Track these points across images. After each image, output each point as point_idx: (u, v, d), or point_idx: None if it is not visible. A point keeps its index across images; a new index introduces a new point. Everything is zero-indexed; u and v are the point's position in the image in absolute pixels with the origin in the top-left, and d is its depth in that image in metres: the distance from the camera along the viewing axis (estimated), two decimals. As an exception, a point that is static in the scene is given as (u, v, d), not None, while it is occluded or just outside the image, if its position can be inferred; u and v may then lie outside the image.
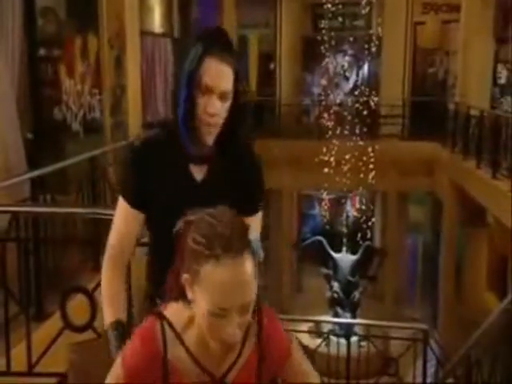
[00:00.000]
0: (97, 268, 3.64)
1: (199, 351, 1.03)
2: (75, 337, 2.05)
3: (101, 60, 5.55)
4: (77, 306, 2.16)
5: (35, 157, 4.09)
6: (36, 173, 3.47)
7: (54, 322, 2.48)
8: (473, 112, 7.92)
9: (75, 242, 3.57)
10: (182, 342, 1.02)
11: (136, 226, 1.35)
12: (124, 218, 1.35)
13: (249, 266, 0.97)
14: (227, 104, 1.30)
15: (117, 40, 5.81)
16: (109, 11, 5.59)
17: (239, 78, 1.31)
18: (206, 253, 0.96)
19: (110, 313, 1.29)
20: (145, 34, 6.71)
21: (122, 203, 1.36)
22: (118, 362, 1.06)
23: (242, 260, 0.97)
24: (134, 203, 1.34)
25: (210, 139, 1.31)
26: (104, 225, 3.40)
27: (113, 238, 1.36)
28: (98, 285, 2.12)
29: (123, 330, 1.27)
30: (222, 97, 1.28)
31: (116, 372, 1.06)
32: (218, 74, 1.27)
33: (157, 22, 7.54)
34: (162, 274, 1.38)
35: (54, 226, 3.17)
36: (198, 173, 1.33)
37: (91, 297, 2.09)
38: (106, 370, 1.05)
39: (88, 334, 2.08)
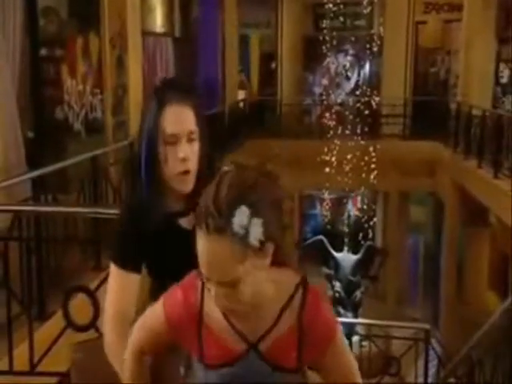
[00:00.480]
0: (98, 267, 3.66)
1: (233, 314, 0.99)
2: (77, 336, 2.05)
3: (102, 60, 5.56)
4: (79, 305, 2.16)
5: (37, 156, 4.09)
6: (38, 172, 3.48)
7: (56, 322, 2.49)
8: (475, 111, 7.91)
9: (77, 241, 3.57)
10: None
11: (135, 291, 1.30)
12: (123, 286, 1.28)
13: (215, 247, 0.90)
14: (196, 147, 1.27)
15: (118, 40, 5.82)
16: (110, 11, 5.60)
17: (200, 117, 1.28)
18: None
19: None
20: (146, 33, 6.72)
21: (117, 272, 1.29)
22: (160, 308, 1.04)
23: (210, 238, 0.90)
24: (133, 267, 1.29)
25: (186, 187, 1.27)
26: (105, 224, 3.42)
27: (113, 309, 1.28)
28: (100, 284, 2.13)
29: None
30: (189, 138, 1.26)
31: (157, 315, 1.05)
32: (180, 118, 1.25)
33: (158, 22, 7.55)
34: None
35: (55, 226, 3.18)
36: (188, 223, 1.28)
37: (93, 296, 2.09)
38: (109, 370, 1.05)
39: (90, 334, 2.09)
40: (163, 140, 1.24)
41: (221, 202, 0.90)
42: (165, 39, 7.48)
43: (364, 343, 6.39)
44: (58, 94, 4.80)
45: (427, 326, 5.32)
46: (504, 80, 8.85)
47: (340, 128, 9.91)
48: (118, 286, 1.28)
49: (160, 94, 1.26)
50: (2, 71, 3.73)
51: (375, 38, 10.48)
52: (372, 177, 9.47)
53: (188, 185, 1.27)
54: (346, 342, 1.08)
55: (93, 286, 2.17)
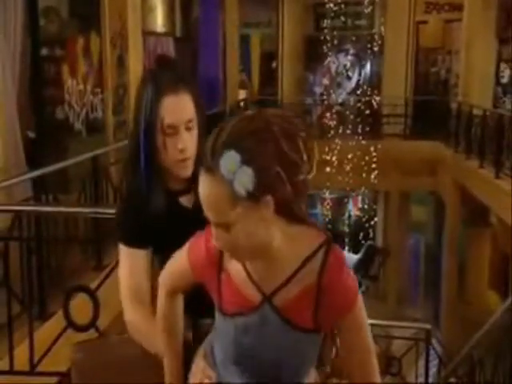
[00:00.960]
0: (99, 267, 3.66)
1: (250, 264, 1.00)
2: (77, 336, 2.05)
3: (103, 59, 5.56)
4: (79, 305, 2.17)
5: (38, 156, 4.09)
6: (38, 172, 3.48)
7: (56, 322, 2.49)
8: (475, 111, 7.90)
9: (77, 241, 3.57)
10: None
11: (148, 267, 1.32)
12: (135, 263, 1.30)
13: (207, 186, 0.91)
14: (194, 132, 1.27)
15: (119, 39, 5.82)
16: (111, 11, 5.60)
17: (198, 102, 1.28)
18: None
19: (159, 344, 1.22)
20: (147, 33, 6.72)
21: (127, 251, 1.31)
22: (185, 254, 1.09)
23: (203, 178, 0.92)
24: (140, 244, 1.31)
25: (186, 172, 1.28)
26: (106, 224, 3.42)
27: (129, 287, 1.30)
28: (101, 284, 2.13)
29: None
30: (188, 127, 1.26)
31: (182, 260, 1.09)
32: (178, 108, 1.24)
33: (159, 22, 7.55)
34: None
35: (56, 226, 3.18)
36: (188, 201, 1.31)
37: (94, 296, 2.09)
38: (110, 370, 1.05)
39: (90, 334, 2.09)
40: (162, 130, 1.24)
41: (217, 144, 0.91)
42: (166, 39, 7.48)
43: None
44: (58, 94, 4.80)
45: (428, 326, 5.31)
46: (505, 80, 8.84)
47: (341, 128, 9.91)
48: (129, 263, 1.31)
49: (157, 81, 1.24)
50: (2, 71, 3.73)
51: (376, 37, 10.48)
52: (373, 176, 9.47)
53: (187, 170, 1.28)
54: (366, 318, 1.03)
55: (93, 285, 2.17)
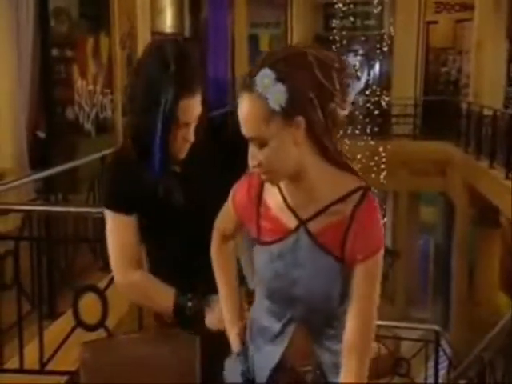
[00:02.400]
0: (107, 267, 3.66)
1: (287, 192, 1.08)
2: (86, 335, 2.06)
3: (113, 60, 5.58)
4: (88, 304, 2.17)
5: (48, 156, 4.12)
6: (48, 172, 3.50)
7: (65, 321, 2.50)
8: (486, 112, 7.85)
9: (86, 240, 3.58)
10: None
11: (136, 231, 1.34)
12: (125, 229, 1.33)
13: (245, 104, 1.01)
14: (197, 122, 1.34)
15: (128, 40, 5.84)
16: (120, 12, 5.62)
17: (205, 94, 1.33)
18: None
19: (164, 294, 1.31)
20: (156, 33, 6.74)
21: (114, 216, 1.34)
22: (231, 195, 1.19)
23: (241, 97, 1.01)
24: (127, 210, 1.33)
25: (183, 155, 1.35)
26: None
27: (120, 250, 1.34)
28: (110, 283, 2.14)
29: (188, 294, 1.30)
30: (197, 119, 1.32)
31: (228, 201, 1.20)
32: (194, 110, 1.29)
33: (168, 22, 7.57)
34: (167, 275, 1.38)
35: (65, 225, 3.19)
36: (176, 166, 1.36)
37: (103, 295, 2.09)
38: (118, 370, 1.05)
39: (99, 333, 2.10)
40: (175, 124, 1.28)
41: (256, 66, 1.01)
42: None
43: (373, 344, 6.36)
44: (68, 95, 4.83)
45: (437, 328, 5.28)
46: (516, 80, 8.77)
47: (350, 128, 9.88)
48: (116, 228, 1.34)
49: (176, 82, 1.25)
50: (15, 72, 3.76)
51: (385, 37, 10.44)
52: (382, 177, 9.43)
53: (185, 152, 1.35)
54: (380, 276, 1.08)
55: (102, 285, 2.18)
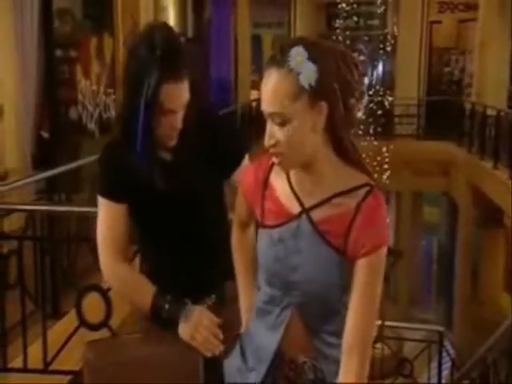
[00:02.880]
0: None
1: (295, 178, 1.10)
2: (90, 335, 2.06)
3: (116, 60, 5.59)
4: (92, 304, 2.18)
5: (51, 156, 4.12)
6: (52, 172, 3.50)
7: (69, 320, 2.50)
8: (489, 112, 7.83)
9: (89, 240, 3.59)
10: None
11: (126, 220, 1.34)
12: (113, 216, 1.33)
13: (273, 78, 1.01)
14: (186, 110, 1.31)
15: (131, 40, 5.83)
16: (124, 12, 5.63)
17: (194, 81, 1.30)
18: None
19: (146, 290, 1.29)
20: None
21: (105, 203, 1.34)
22: (241, 179, 1.23)
23: (269, 72, 1.02)
24: (116, 197, 1.33)
25: (172, 143, 1.33)
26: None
27: (108, 239, 1.34)
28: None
29: (168, 296, 1.28)
30: (183, 107, 1.30)
31: (239, 189, 1.23)
32: (178, 95, 1.26)
33: (171, 22, 7.57)
34: (158, 270, 1.38)
35: (69, 225, 3.20)
36: (167, 154, 1.35)
37: (106, 295, 2.10)
38: (122, 370, 1.05)
39: (103, 333, 2.10)
40: (159, 111, 1.26)
41: (287, 43, 1.04)
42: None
43: (377, 345, 6.35)
44: (72, 95, 4.83)
45: (440, 328, 5.27)
46: (519, 80, 8.74)
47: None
48: (110, 216, 1.33)
49: (160, 66, 1.23)
50: (15, 73, 3.77)
51: (389, 37, 10.42)
52: (385, 177, 9.41)
53: (174, 141, 1.33)
54: (383, 273, 1.07)
55: (105, 285, 2.18)
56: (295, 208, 1.09)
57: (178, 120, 1.29)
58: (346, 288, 1.07)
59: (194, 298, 1.32)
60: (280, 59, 1.01)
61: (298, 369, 1.13)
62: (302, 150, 1.03)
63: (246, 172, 1.20)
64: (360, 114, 1.05)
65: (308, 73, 0.99)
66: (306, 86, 0.99)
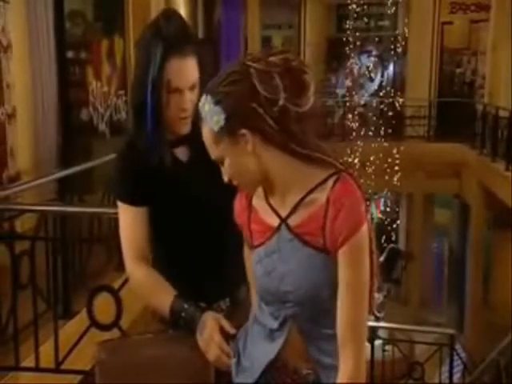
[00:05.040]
0: (121, 267, 3.68)
1: (268, 194, 1.14)
2: (101, 335, 2.07)
3: (127, 62, 5.62)
4: (103, 304, 2.19)
5: (63, 157, 4.16)
6: (64, 173, 3.53)
7: (80, 320, 2.52)
8: (502, 113, 7.76)
9: (101, 241, 3.61)
10: (263, 185, 1.16)
11: (145, 223, 1.34)
12: (132, 220, 1.33)
13: (203, 132, 1.10)
14: (197, 91, 1.30)
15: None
16: (135, 14, 5.66)
17: (203, 61, 1.30)
18: None
19: (167, 295, 1.28)
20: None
21: (123, 207, 1.34)
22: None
23: (202, 127, 1.10)
24: (135, 201, 1.33)
25: (185, 129, 1.33)
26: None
27: (128, 242, 1.35)
28: (124, 284, 2.15)
29: (186, 301, 1.27)
30: (192, 88, 1.29)
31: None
32: (184, 72, 1.27)
33: (182, 24, 7.59)
34: (174, 274, 1.37)
35: (80, 226, 3.22)
36: (182, 154, 1.35)
37: (117, 295, 2.11)
38: (133, 370, 1.05)
39: (113, 333, 2.11)
40: (167, 90, 1.27)
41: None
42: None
43: (387, 347, 6.31)
44: (83, 96, 4.87)
45: (452, 331, 5.23)
46: (532, 81, 8.66)
47: (363, 129, 9.82)
48: (128, 220, 1.34)
49: (164, 42, 1.24)
50: (28, 76, 3.80)
51: (399, 38, 10.37)
52: (395, 179, 9.36)
53: (187, 127, 1.33)
54: (367, 258, 1.07)
55: (116, 285, 2.19)
56: (275, 221, 1.12)
57: (185, 100, 1.28)
58: (335, 286, 1.07)
59: (208, 301, 1.33)
60: (199, 114, 1.11)
61: (300, 379, 1.13)
62: (249, 175, 1.10)
63: (236, 198, 1.22)
64: (305, 108, 1.04)
65: (214, 118, 1.06)
66: (217, 130, 1.06)
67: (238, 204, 1.20)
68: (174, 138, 1.33)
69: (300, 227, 1.09)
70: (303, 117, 1.06)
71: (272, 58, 1.06)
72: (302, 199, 1.08)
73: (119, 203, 1.35)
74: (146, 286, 1.33)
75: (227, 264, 1.34)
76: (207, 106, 1.06)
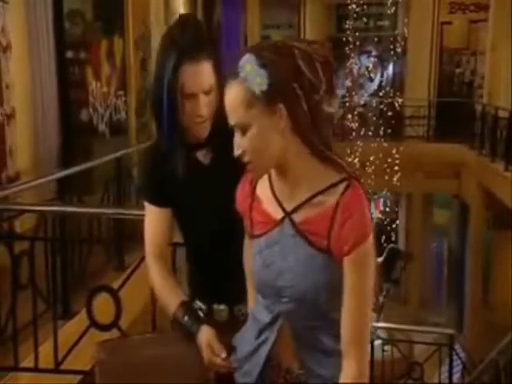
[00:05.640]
0: (121, 267, 3.69)
1: (275, 184, 1.12)
2: (100, 335, 2.07)
3: (126, 62, 5.62)
4: (102, 304, 2.19)
5: (62, 157, 4.16)
6: (63, 173, 3.53)
7: (79, 320, 2.52)
8: (501, 113, 7.76)
9: (100, 241, 3.61)
10: (269, 174, 1.13)
11: (167, 223, 1.39)
12: (155, 219, 1.38)
13: (230, 90, 1.04)
14: (213, 94, 1.31)
15: (142, 43, 5.87)
16: (134, 14, 5.66)
17: (218, 64, 1.31)
18: None
19: (171, 299, 1.31)
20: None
21: (149, 207, 1.40)
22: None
23: (228, 86, 1.05)
24: (158, 202, 1.38)
25: (203, 133, 1.33)
26: (128, 225, 3.45)
27: (149, 239, 1.39)
28: (123, 284, 2.15)
29: (192, 308, 1.30)
30: (208, 92, 1.30)
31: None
32: (198, 77, 1.27)
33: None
34: (198, 275, 1.41)
35: (80, 226, 3.22)
36: (204, 157, 1.36)
37: (116, 296, 2.11)
38: (133, 370, 1.05)
39: (113, 333, 2.11)
40: (181, 95, 1.28)
41: (242, 53, 1.04)
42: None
43: (386, 348, 6.32)
44: (83, 96, 4.87)
45: (451, 331, 5.23)
46: (531, 81, 8.66)
47: (363, 129, 9.83)
48: (152, 220, 1.39)
49: (179, 47, 1.26)
50: (27, 76, 3.80)
51: (399, 38, 10.38)
52: (395, 179, 9.37)
53: (205, 131, 1.33)
54: (373, 270, 1.07)
55: (116, 285, 2.19)
56: (278, 214, 1.11)
57: (200, 106, 1.29)
58: (333, 289, 1.06)
59: (229, 305, 1.35)
60: (234, 70, 1.04)
61: (292, 379, 1.13)
62: (268, 154, 1.05)
63: (239, 186, 1.20)
64: (333, 110, 1.05)
65: (258, 79, 1.01)
66: (258, 92, 1.01)
67: (241, 191, 1.18)
68: (195, 141, 1.35)
69: (305, 224, 1.07)
70: (327, 117, 1.05)
71: (314, 46, 1.05)
72: (311, 198, 1.07)
73: (145, 203, 1.41)
74: (157, 284, 1.36)
75: (240, 271, 1.32)
76: (249, 65, 1.01)
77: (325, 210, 1.05)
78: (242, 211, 1.18)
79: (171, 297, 1.32)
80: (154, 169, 1.38)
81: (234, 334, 1.24)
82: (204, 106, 1.29)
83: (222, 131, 1.28)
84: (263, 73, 1.01)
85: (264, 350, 1.13)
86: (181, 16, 1.36)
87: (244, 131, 1.04)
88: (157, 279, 1.36)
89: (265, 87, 1.01)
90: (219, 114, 1.29)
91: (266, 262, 1.11)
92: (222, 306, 1.34)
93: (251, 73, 1.01)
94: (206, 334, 1.24)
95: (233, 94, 1.04)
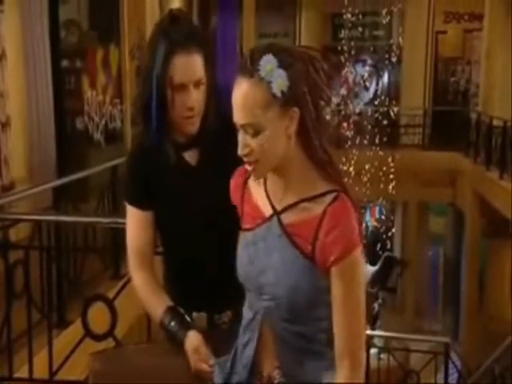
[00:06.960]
0: (116, 276, 3.68)
1: (269, 181, 1.12)
2: (95, 345, 2.06)
3: (122, 71, 5.63)
4: (97, 313, 2.18)
5: (58, 166, 4.15)
6: (59, 181, 3.52)
7: (74, 330, 2.50)
8: (496, 122, 7.81)
9: (95, 250, 3.60)
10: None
11: (150, 228, 1.35)
12: (137, 223, 1.34)
13: (244, 88, 1.02)
14: (203, 88, 1.30)
15: (138, 51, 5.89)
16: (130, 23, 5.68)
17: (209, 59, 1.30)
18: None
19: (157, 304, 1.29)
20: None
21: (131, 210, 1.36)
22: None
23: (240, 82, 1.03)
24: (142, 205, 1.34)
25: (192, 128, 1.31)
26: (123, 234, 3.43)
27: (132, 245, 1.36)
28: (118, 293, 2.14)
29: (179, 313, 1.27)
30: (196, 85, 1.28)
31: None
32: (188, 68, 1.26)
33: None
34: (177, 281, 1.38)
35: (75, 235, 3.21)
36: (192, 158, 1.33)
37: (111, 305, 2.10)
38: (128, 380, 1.05)
39: (108, 342, 2.10)
40: (170, 87, 1.26)
41: (256, 51, 1.03)
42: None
43: (382, 356, 6.30)
44: (78, 105, 4.87)
45: (447, 340, 5.23)
46: (525, 90, 8.72)
47: (358, 138, 9.86)
48: (134, 223, 1.35)
49: (169, 39, 1.25)
50: (23, 85, 3.81)
51: (394, 48, 10.45)
52: (390, 187, 9.39)
53: (194, 126, 1.31)
54: (362, 284, 1.07)
55: (111, 294, 2.18)
56: (268, 211, 1.11)
57: (191, 98, 1.27)
58: (314, 296, 1.06)
59: (209, 313, 1.32)
60: (250, 68, 1.01)
61: (272, 381, 1.12)
62: (275, 157, 1.05)
63: (233, 177, 1.20)
64: (328, 117, 1.08)
65: (280, 80, 0.99)
66: (279, 94, 1.00)
67: (234, 182, 1.19)
68: (183, 140, 1.32)
69: (291, 227, 1.08)
70: (327, 124, 1.07)
71: (316, 53, 1.06)
72: (298, 203, 1.07)
73: (127, 206, 1.36)
74: (142, 291, 1.33)
75: (229, 276, 1.28)
76: (270, 65, 0.99)
77: (312, 217, 1.05)
78: (235, 202, 1.19)
79: (157, 303, 1.29)
80: (138, 168, 1.34)
81: (214, 343, 1.22)
82: (194, 99, 1.27)
83: (210, 130, 1.29)
84: (284, 74, 1.00)
85: (247, 355, 1.12)
86: (172, 10, 1.35)
87: (256, 132, 1.02)
88: (142, 286, 1.33)
89: (285, 89, 1.00)
90: (208, 110, 1.30)
91: (251, 257, 1.11)
92: (202, 314, 1.31)
93: (272, 73, 0.99)
94: (192, 340, 1.23)
95: (248, 93, 1.01)
